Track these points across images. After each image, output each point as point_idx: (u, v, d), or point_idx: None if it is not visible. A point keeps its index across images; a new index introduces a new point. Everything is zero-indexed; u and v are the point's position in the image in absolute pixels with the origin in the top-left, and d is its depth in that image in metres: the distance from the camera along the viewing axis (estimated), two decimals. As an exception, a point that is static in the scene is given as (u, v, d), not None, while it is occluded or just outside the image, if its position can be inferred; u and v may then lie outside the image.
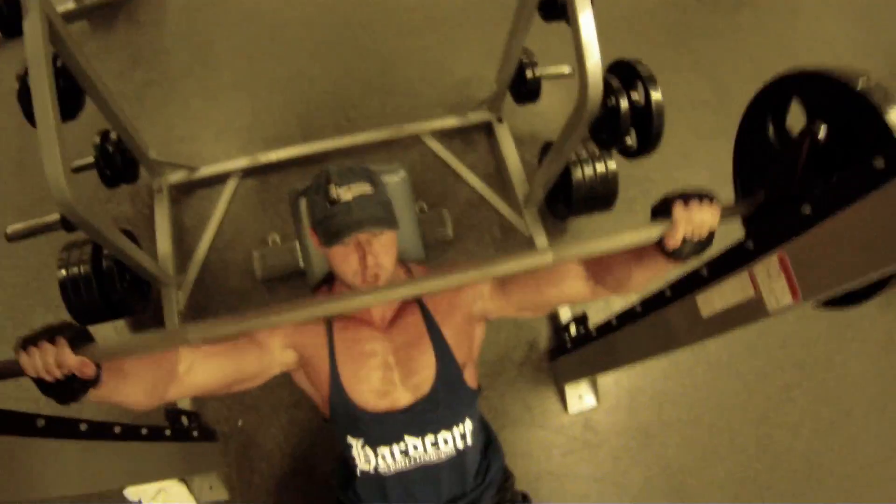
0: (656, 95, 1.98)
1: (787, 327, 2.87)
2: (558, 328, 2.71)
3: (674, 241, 1.21)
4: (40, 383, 1.09)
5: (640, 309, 1.80)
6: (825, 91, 1.17)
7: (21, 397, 1.69)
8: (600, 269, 1.51)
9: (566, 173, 2.59)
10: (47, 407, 1.29)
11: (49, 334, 1.07)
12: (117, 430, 1.68)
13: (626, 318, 1.91)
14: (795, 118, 1.27)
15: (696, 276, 1.48)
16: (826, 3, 4.00)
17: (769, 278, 1.23)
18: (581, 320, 2.49)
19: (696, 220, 1.19)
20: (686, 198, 1.21)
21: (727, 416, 2.71)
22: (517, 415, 2.64)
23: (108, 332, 2.72)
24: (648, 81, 1.97)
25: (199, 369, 1.45)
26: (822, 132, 1.17)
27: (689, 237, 1.22)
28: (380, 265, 1.51)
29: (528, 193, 2.85)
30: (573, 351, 2.44)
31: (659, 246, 1.26)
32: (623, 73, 2.08)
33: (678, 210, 1.19)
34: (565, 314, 2.69)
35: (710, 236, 1.24)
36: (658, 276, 1.41)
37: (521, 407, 2.65)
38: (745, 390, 2.76)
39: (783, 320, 2.82)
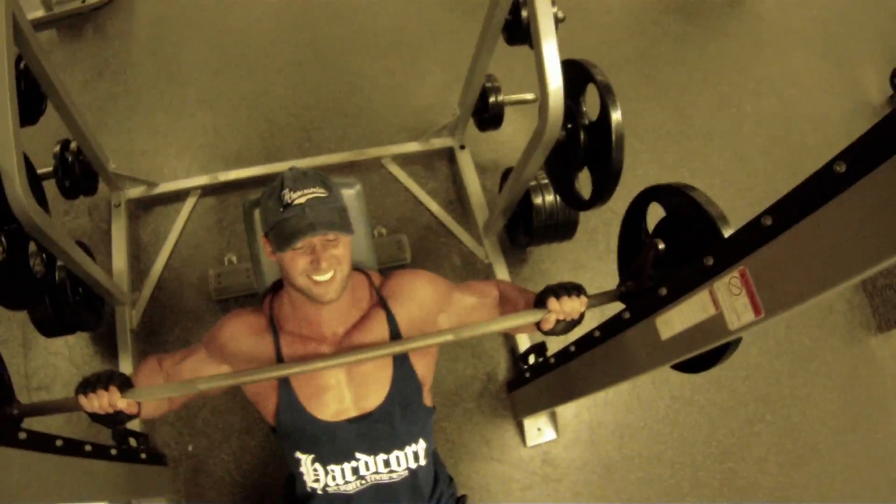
0: (616, 114, 1.93)
1: (751, 359, 2.85)
2: (517, 358, 2.66)
3: (547, 325, 1.56)
4: (94, 416, 1.43)
5: (598, 334, 1.80)
6: (675, 201, 1.54)
7: None
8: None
9: (526, 201, 2.56)
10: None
11: (104, 383, 1.39)
12: (59, 443, 1.66)
13: (585, 343, 1.89)
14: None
15: (655, 296, 1.49)
16: (793, 37, 4.04)
17: (730, 294, 1.22)
18: (539, 349, 2.43)
19: (566, 310, 1.52)
20: (558, 292, 1.53)
21: (690, 451, 2.68)
22: (475, 448, 2.59)
23: (59, 348, 2.70)
24: (606, 91, 1.92)
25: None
26: (660, 245, 1.57)
27: (561, 319, 1.55)
28: (334, 265, 1.46)
29: (489, 221, 2.82)
30: (531, 381, 2.40)
31: (537, 325, 1.58)
32: (576, 77, 2.04)
33: (552, 302, 1.52)
34: (524, 343, 2.65)
35: (580, 318, 1.58)
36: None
37: (478, 440, 2.60)
38: (709, 424, 2.72)
39: (746, 353, 2.80)
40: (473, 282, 1.82)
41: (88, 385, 1.40)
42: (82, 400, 1.39)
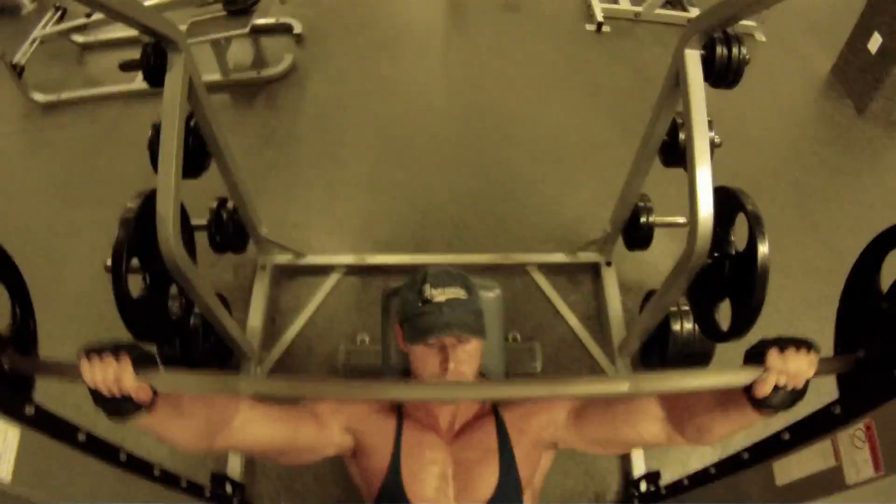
0: (763, 248, 1.86)
1: None
2: (629, 483, 2.59)
3: (764, 389, 1.14)
4: (95, 394, 1.11)
5: (714, 471, 1.73)
6: None
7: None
8: (681, 412, 1.43)
9: (664, 325, 2.53)
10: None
11: (115, 350, 1.10)
12: (156, 472, 1.67)
13: (699, 478, 1.82)
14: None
15: (776, 440, 1.41)
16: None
17: (853, 447, 1.16)
18: (653, 477, 2.37)
19: (791, 370, 1.12)
20: (782, 344, 1.14)
21: None
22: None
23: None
24: (755, 223, 1.88)
25: (254, 427, 1.45)
26: None
27: (782, 386, 1.14)
28: (461, 372, 1.48)
29: (625, 341, 2.78)
30: (639, 510, 2.32)
31: (747, 393, 1.18)
32: (728, 205, 2.01)
33: (773, 357, 1.13)
34: (639, 468, 2.56)
35: (804, 388, 1.16)
36: (741, 428, 1.31)
37: (575, 562, 2.51)
38: None
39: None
40: (618, 400, 1.56)
41: (97, 349, 1.10)
42: (84, 366, 1.09)
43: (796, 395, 1.16)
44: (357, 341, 2.89)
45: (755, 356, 1.16)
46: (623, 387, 1.17)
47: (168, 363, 2.41)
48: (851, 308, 1.40)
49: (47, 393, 1.35)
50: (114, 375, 1.07)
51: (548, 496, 2.57)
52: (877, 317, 1.27)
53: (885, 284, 1.30)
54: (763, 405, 1.17)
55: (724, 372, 1.17)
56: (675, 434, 1.46)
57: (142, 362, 1.11)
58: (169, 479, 1.75)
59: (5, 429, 1.14)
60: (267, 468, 2.64)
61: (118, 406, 1.12)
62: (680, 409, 1.42)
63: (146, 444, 1.46)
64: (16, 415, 1.18)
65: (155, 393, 1.16)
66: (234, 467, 2.52)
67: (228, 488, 2.37)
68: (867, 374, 1.23)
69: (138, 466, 1.58)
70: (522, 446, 1.61)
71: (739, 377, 1.16)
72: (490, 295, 2.09)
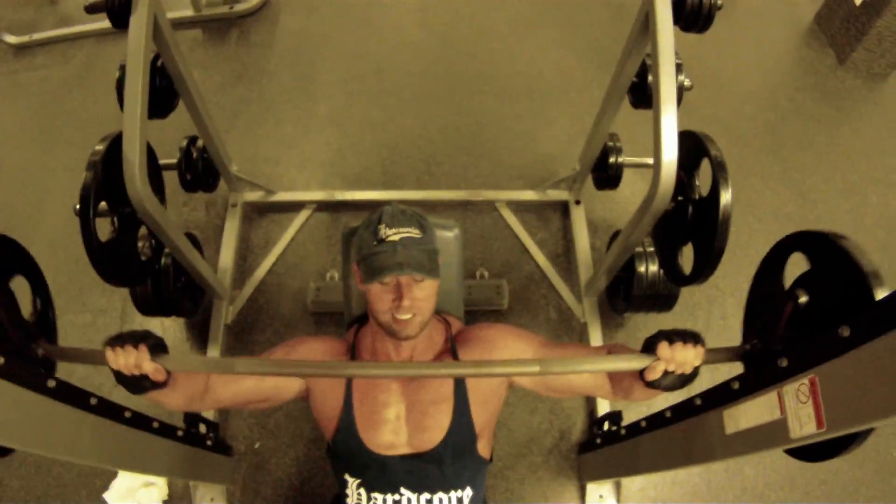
0: (726, 195, 1.87)
1: (831, 464, 2.66)
2: (592, 422, 2.64)
3: (652, 375, 1.31)
4: (118, 375, 1.35)
5: (669, 414, 1.76)
6: (822, 250, 1.31)
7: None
8: (611, 376, 1.59)
9: (630, 266, 2.55)
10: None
11: (135, 340, 1.32)
12: (127, 414, 1.70)
13: (655, 421, 1.86)
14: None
15: (726, 388, 1.45)
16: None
17: (797, 402, 1.19)
18: (615, 417, 2.42)
19: (678, 359, 1.28)
20: (673, 337, 1.29)
21: (750, 548, 2.58)
22: (532, 502, 2.57)
23: (154, 327, 2.81)
24: (719, 169, 1.89)
25: (227, 387, 1.63)
26: (802, 297, 1.31)
27: (671, 372, 1.30)
28: (416, 308, 1.51)
29: (591, 279, 2.80)
30: (601, 447, 2.37)
31: (640, 376, 1.35)
32: (693, 149, 2.01)
33: (662, 348, 1.28)
34: (603, 407, 2.62)
35: (694, 373, 1.32)
36: (648, 397, 1.51)
37: (538, 495, 2.57)
38: None
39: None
40: (578, 344, 1.73)
41: (119, 339, 1.33)
42: (108, 354, 1.32)
43: (685, 379, 1.34)
44: (326, 278, 2.92)
45: (650, 346, 1.32)
46: (534, 368, 1.33)
47: (140, 305, 2.46)
48: (755, 301, 1.57)
49: None
50: (134, 361, 1.30)
51: (514, 432, 2.64)
52: (773, 311, 1.41)
53: (788, 282, 1.41)
54: (653, 386, 1.34)
55: (622, 358, 1.34)
56: (614, 389, 1.60)
57: (157, 349, 1.34)
58: (141, 422, 1.78)
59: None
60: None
61: (138, 384, 1.37)
62: (610, 374, 1.60)
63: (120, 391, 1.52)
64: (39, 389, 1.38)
65: (168, 374, 1.38)
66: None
67: (202, 428, 2.40)
68: (753, 364, 1.45)
69: (109, 410, 1.62)
70: (479, 391, 1.66)
71: (633, 363, 1.32)
72: (448, 234, 2.09)
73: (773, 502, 2.63)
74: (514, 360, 1.45)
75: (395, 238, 1.48)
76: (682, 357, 1.28)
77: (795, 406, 1.20)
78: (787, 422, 1.22)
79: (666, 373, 1.31)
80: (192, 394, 1.55)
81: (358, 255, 1.57)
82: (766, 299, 1.52)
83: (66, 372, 1.51)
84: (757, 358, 1.44)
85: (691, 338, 1.30)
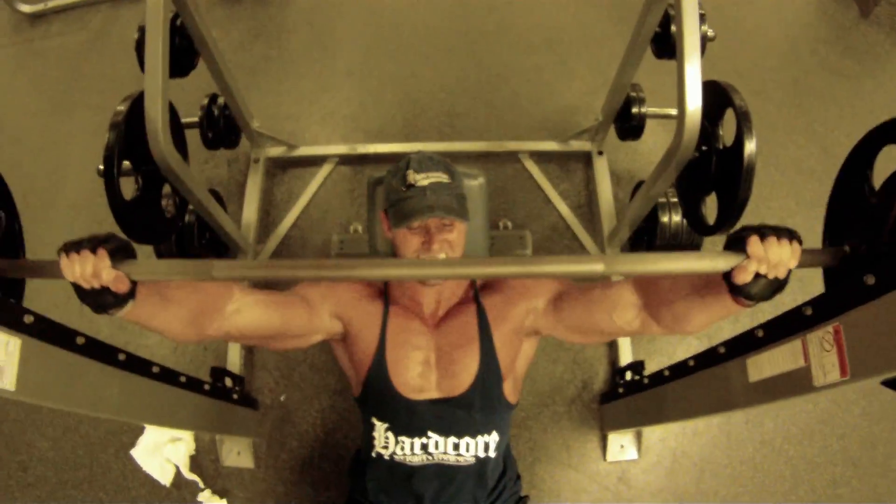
0: (750, 144, 1.85)
1: (851, 419, 2.71)
2: (615, 371, 2.67)
3: (744, 277, 1.08)
4: (78, 289, 1.12)
5: (692, 363, 1.77)
6: None
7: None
8: (657, 300, 1.40)
9: (653, 217, 2.56)
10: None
11: (92, 244, 1.10)
12: (155, 369, 1.71)
13: (679, 370, 1.87)
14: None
15: (750, 336, 1.44)
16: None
17: (822, 350, 1.19)
18: (637, 367, 2.44)
19: (772, 258, 1.06)
20: (765, 232, 1.08)
21: (768, 500, 2.59)
22: (554, 451, 2.60)
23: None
24: (743, 119, 1.86)
25: (246, 313, 1.47)
26: None
27: (763, 275, 1.09)
28: (445, 251, 1.52)
29: (614, 230, 2.81)
30: (624, 397, 2.40)
31: (726, 281, 1.13)
32: (717, 99, 1.99)
33: (754, 244, 1.06)
34: (625, 357, 2.65)
35: (786, 279, 1.10)
36: (718, 318, 1.29)
37: (560, 444, 2.61)
38: (793, 477, 2.62)
39: (848, 411, 2.69)
40: (602, 284, 1.53)
41: (75, 245, 1.11)
42: (63, 262, 1.10)
43: (777, 286, 1.11)
44: (350, 230, 2.94)
45: (736, 242, 1.10)
46: (598, 266, 1.13)
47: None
48: (841, 202, 1.34)
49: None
50: (92, 268, 1.08)
51: (537, 382, 2.66)
52: (866, 213, 1.22)
53: (878, 181, 1.23)
54: (742, 293, 1.12)
55: (703, 256, 1.11)
56: (650, 321, 1.45)
57: (119, 254, 1.12)
58: (168, 376, 1.80)
59: (6, 340, 1.19)
60: (266, 360, 2.73)
61: (99, 298, 1.13)
62: (656, 296, 1.40)
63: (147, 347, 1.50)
64: (15, 325, 1.22)
65: (135, 283, 1.16)
66: (234, 360, 2.61)
67: (228, 382, 2.44)
68: (852, 269, 1.18)
69: (137, 366, 1.62)
70: (503, 333, 1.67)
71: (719, 263, 1.10)
72: (474, 183, 2.10)
73: (790, 455, 2.64)
74: (575, 257, 1.26)
75: (425, 183, 1.50)
76: (777, 256, 1.06)
77: (819, 354, 1.20)
78: (811, 370, 1.23)
79: (757, 276, 1.09)
80: (196, 313, 1.36)
81: (387, 202, 1.59)
82: (852, 200, 1.28)
83: (94, 329, 1.49)
84: (855, 262, 1.19)
85: (786, 233, 1.09)
